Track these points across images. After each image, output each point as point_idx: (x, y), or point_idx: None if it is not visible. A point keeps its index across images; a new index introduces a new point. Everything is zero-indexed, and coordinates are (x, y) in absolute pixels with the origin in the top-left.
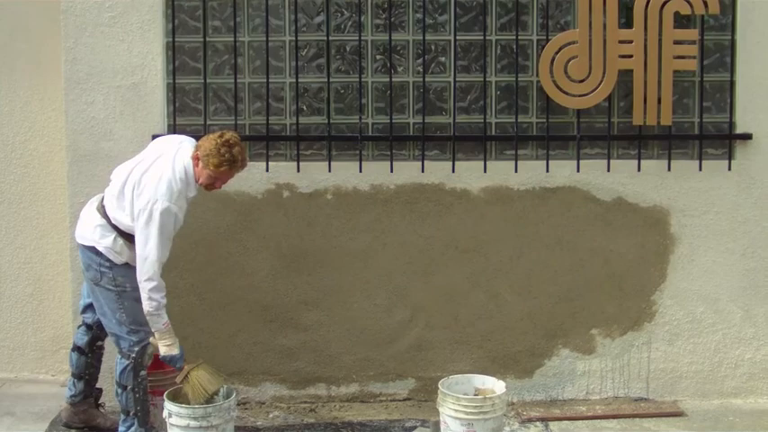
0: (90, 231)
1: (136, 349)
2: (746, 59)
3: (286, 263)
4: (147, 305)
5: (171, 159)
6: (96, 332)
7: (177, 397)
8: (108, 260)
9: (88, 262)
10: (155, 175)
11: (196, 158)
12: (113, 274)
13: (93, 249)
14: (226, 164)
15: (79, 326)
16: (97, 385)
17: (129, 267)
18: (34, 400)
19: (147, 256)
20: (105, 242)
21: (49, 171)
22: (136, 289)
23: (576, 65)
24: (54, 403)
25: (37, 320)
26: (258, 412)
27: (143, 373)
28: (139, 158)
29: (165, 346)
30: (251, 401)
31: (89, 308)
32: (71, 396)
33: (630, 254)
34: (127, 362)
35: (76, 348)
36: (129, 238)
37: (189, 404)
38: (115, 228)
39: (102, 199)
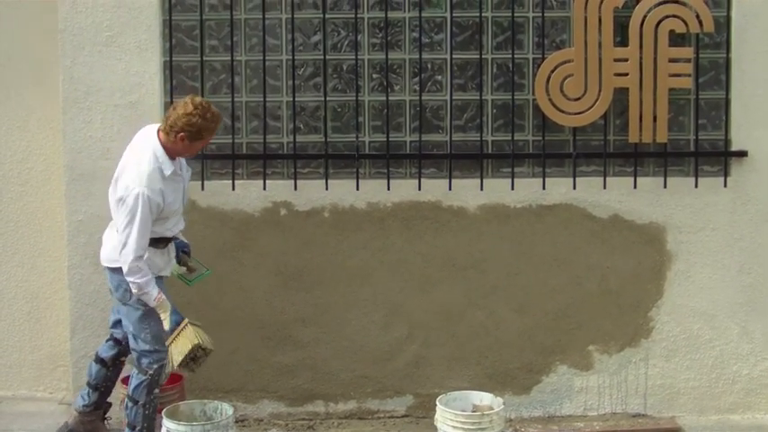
0: (115, 252)
1: (155, 366)
2: (741, 77)
3: (283, 280)
4: (132, 288)
5: (138, 144)
6: (124, 348)
7: (175, 414)
8: None
9: (117, 283)
10: (127, 165)
11: (168, 133)
12: None
13: (120, 269)
14: (207, 133)
15: (107, 339)
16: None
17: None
18: (32, 418)
19: (126, 244)
20: None
21: (46, 190)
22: None
23: (571, 83)
24: (51, 421)
25: (34, 338)
26: (256, 429)
27: (156, 391)
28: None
29: (162, 320)
30: (249, 419)
31: (119, 323)
32: (83, 405)
33: (627, 271)
34: (144, 377)
35: (99, 360)
36: (150, 244)
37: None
38: None
39: None
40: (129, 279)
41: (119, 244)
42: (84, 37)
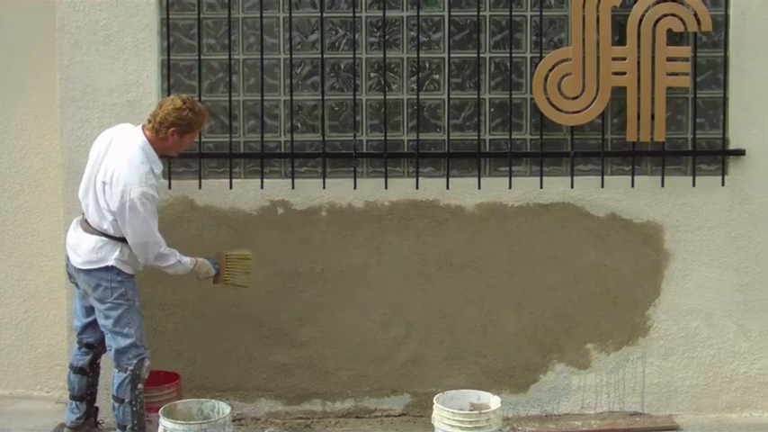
0: (94, 253)
1: (134, 362)
2: (739, 76)
3: (281, 279)
4: (170, 271)
5: (126, 146)
6: (98, 350)
7: (172, 413)
8: (120, 273)
9: (97, 282)
10: (117, 168)
11: (159, 130)
12: (125, 288)
13: (102, 269)
14: (197, 125)
15: (79, 348)
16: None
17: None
18: (29, 417)
19: (146, 242)
20: (114, 256)
21: (44, 188)
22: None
23: (569, 82)
24: (49, 420)
25: (31, 337)
26: (253, 428)
27: (140, 386)
28: (90, 168)
29: (204, 276)
30: (246, 417)
31: (87, 327)
32: (76, 419)
33: (625, 269)
34: (124, 375)
35: (78, 370)
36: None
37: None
38: (117, 239)
39: (85, 220)
40: (165, 268)
41: (135, 245)
42: (81, 36)
